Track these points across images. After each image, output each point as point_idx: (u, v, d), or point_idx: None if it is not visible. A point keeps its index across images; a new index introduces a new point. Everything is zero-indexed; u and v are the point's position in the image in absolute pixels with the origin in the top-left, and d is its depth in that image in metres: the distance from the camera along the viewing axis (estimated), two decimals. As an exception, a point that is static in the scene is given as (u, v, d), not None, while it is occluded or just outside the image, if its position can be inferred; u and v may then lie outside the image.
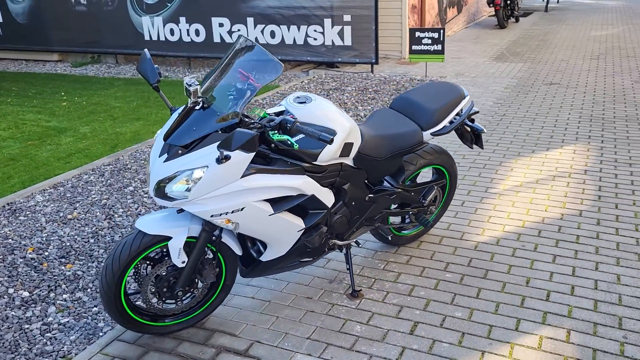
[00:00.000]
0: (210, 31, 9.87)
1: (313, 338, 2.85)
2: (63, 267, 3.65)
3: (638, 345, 2.70)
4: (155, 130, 6.58)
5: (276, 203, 2.67)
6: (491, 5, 13.33)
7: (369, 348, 2.76)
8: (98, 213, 4.39)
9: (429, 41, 8.41)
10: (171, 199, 2.51)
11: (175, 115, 2.65)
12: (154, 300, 2.79)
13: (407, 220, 3.58)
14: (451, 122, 3.30)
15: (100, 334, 3.01)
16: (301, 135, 2.69)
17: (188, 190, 2.46)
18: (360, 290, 3.21)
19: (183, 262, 2.66)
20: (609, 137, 5.65)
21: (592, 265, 3.38)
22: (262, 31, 9.50)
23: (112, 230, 4.10)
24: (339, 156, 2.82)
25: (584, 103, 6.91)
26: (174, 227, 2.63)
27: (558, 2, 19.99)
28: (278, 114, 2.76)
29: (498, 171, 4.87)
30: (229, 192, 2.50)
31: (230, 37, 9.73)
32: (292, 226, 2.75)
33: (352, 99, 7.50)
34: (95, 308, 3.23)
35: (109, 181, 5.02)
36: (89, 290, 3.41)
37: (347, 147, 2.83)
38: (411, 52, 8.54)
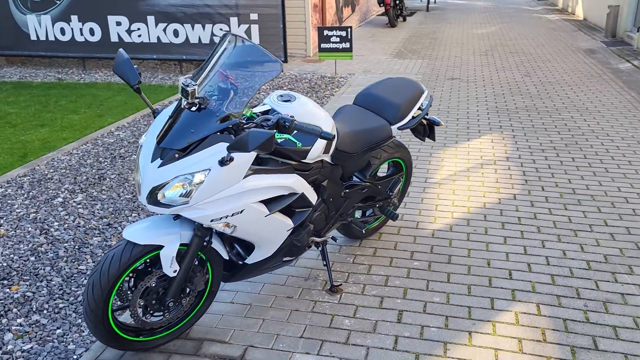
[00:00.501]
0: (107, 30, 9.35)
1: (306, 336, 2.85)
2: (8, 290, 3.32)
3: (598, 311, 3.00)
4: (65, 136, 6.14)
5: (270, 203, 2.64)
6: (382, 4, 13.86)
7: (364, 340, 2.81)
8: (30, 228, 4.03)
9: (337, 39, 8.61)
10: (167, 205, 2.39)
11: (163, 118, 2.52)
12: (141, 314, 2.64)
13: (370, 213, 3.68)
14: (414, 117, 3.43)
15: (74, 356, 2.79)
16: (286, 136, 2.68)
17: (185, 195, 2.36)
18: (340, 284, 3.25)
19: (175, 271, 2.55)
20: (517, 126, 6.15)
21: (539, 244, 3.69)
22: (164, 30, 9.17)
23: (52, 246, 3.79)
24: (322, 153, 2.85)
25: (486, 96, 7.44)
26: (165, 235, 2.51)
27: (435, 2, 21.21)
28: (264, 112, 2.72)
29: (431, 162, 5.12)
30: (229, 194, 2.43)
31: (130, 36, 9.28)
32: (283, 226, 2.73)
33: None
34: (59, 330, 2.99)
35: (30, 193, 4.62)
36: (45, 311, 3.14)
37: (329, 144, 2.86)
38: (320, 50, 8.68)
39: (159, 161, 2.39)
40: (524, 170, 4.91)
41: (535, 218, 4.04)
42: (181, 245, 2.56)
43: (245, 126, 2.46)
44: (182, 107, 2.43)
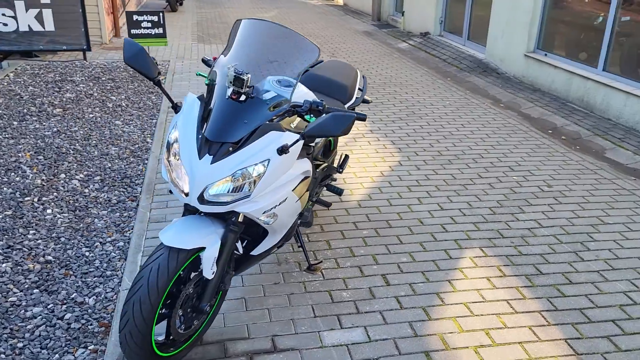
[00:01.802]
0: None
1: (319, 315, 2.92)
2: None
3: (522, 245, 3.66)
4: None
5: (294, 190, 2.63)
6: (161, -12, 13.36)
7: (372, 306, 3.01)
8: None
9: (149, 24, 8.18)
10: (222, 203, 2.24)
11: (193, 110, 2.31)
12: (178, 324, 2.43)
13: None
14: (357, 97, 3.65)
15: (86, 394, 2.43)
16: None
17: (236, 190, 2.25)
18: (318, 262, 3.35)
19: (213, 272, 2.40)
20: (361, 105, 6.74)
21: (446, 199, 4.27)
22: None
23: (-47, 283, 3.10)
24: None
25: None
26: (205, 235, 2.34)
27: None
28: (272, 98, 2.67)
29: (310, 141, 5.38)
30: (280, 184, 2.38)
31: None
32: (298, 209, 2.75)
33: (99, 90, 6.83)
34: (41, 372, 2.54)
35: None
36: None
37: None
38: (131, 36, 8.14)
39: (208, 157, 2.22)
40: (391, 139, 5.49)
41: (428, 179, 4.63)
42: None
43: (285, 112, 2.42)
44: (228, 97, 2.28)
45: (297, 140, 2.27)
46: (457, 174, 4.73)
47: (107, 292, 3.11)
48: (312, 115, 2.54)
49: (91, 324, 2.86)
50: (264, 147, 2.27)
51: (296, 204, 2.62)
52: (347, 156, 3.79)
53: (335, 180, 3.88)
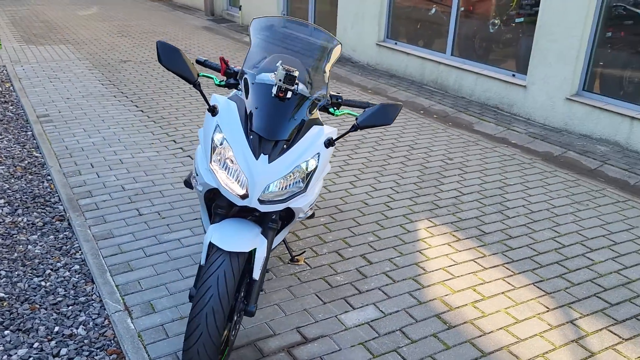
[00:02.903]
0: None
1: (327, 301, 3.03)
2: None
3: (461, 210, 4.13)
4: None
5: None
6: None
7: (369, 285, 3.19)
8: None
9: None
10: (280, 201, 2.24)
11: (234, 112, 2.24)
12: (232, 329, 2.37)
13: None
14: None
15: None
16: None
17: (291, 186, 2.27)
18: (300, 254, 3.42)
19: (260, 273, 2.39)
20: (239, 97, 6.76)
21: (375, 181, 4.59)
22: None
23: None
24: None
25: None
26: (254, 236, 2.31)
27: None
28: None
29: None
30: (321, 176, 2.42)
31: None
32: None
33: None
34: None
35: None
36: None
37: None
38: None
39: (264, 157, 2.20)
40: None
41: (348, 164, 4.90)
42: None
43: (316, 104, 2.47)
44: (275, 95, 2.26)
45: (350, 131, 2.37)
46: (371, 157, 5.07)
47: (94, 319, 2.85)
48: (335, 108, 2.62)
49: (97, 355, 2.62)
50: (313, 142, 2.32)
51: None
52: None
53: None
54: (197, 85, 2.27)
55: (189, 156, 4.92)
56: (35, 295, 3.01)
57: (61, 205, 3.99)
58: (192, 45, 9.71)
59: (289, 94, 2.32)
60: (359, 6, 8.63)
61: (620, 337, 2.83)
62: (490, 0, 6.92)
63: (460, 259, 3.49)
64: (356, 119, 2.35)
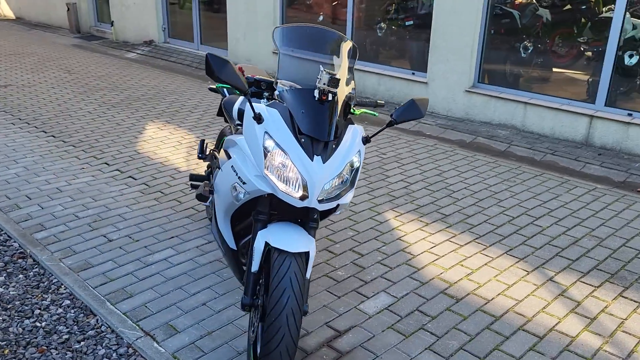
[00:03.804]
0: None
1: (340, 295, 3.14)
2: None
3: (416, 198, 4.44)
4: None
5: None
6: None
7: (371, 275, 3.35)
8: None
9: None
10: (333, 198, 2.33)
11: (279, 118, 2.28)
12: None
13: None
14: None
15: None
16: None
17: (349, 181, 2.38)
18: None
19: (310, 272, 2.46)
20: (135, 112, 6.56)
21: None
22: None
23: None
24: None
25: (83, 99, 7.24)
26: (305, 235, 2.38)
27: None
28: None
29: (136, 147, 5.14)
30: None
31: None
32: None
33: None
34: None
35: None
36: None
37: None
38: None
39: (317, 157, 2.27)
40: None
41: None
42: None
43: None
44: (318, 98, 2.33)
45: (387, 126, 2.51)
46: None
47: (115, 349, 2.70)
48: (354, 108, 2.73)
49: (138, 384, 2.51)
50: (353, 140, 2.43)
51: None
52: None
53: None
54: (247, 95, 2.28)
55: (130, 177, 4.72)
56: (36, 337, 2.77)
57: (14, 242, 3.65)
58: (74, 66, 9.14)
59: (329, 96, 2.42)
60: (250, 17, 8.74)
61: (592, 286, 3.29)
62: (375, 7, 7.42)
63: (437, 240, 3.78)
64: (391, 115, 2.51)
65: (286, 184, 2.28)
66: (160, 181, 4.64)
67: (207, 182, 3.11)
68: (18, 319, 2.90)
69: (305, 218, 2.49)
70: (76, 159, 5.08)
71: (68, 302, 3.06)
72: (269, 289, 2.20)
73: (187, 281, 3.23)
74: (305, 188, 2.27)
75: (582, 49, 6.08)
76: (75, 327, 2.85)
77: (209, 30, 9.92)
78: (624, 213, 4.27)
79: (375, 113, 2.78)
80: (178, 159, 5.15)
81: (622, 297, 3.18)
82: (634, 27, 5.78)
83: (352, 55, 2.73)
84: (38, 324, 2.87)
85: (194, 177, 3.65)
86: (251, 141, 2.37)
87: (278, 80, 2.58)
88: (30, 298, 3.08)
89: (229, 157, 2.63)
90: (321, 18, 8.26)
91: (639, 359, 2.69)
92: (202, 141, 3.75)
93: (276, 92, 2.50)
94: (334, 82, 2.35)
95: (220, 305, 3.01)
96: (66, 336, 2.78)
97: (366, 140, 2.50)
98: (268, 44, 8.63)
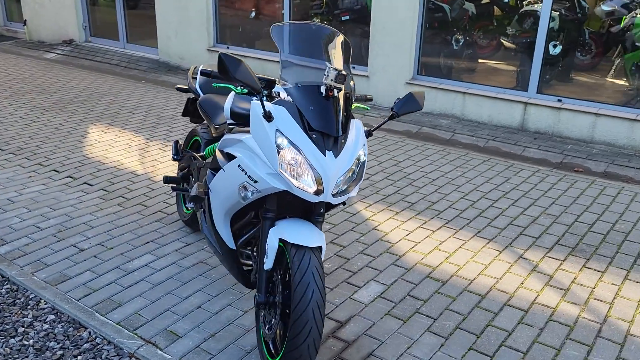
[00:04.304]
0: None
1: (332, 286, 3.20)
2: None
3: (383, 187, 4.57)
4: None
5: None
6: None
7: (357, 265, 3.43)
8: None
9: None
10: (343, 193, 2.37)
11: (288, 116, 2.28)
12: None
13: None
14: None
15: None
16: None
17: (357, 175, 2.43)
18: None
19: (321, 266, 2.50)
20: (75, 116, 6.30)
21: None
22: None
23: None
24: None
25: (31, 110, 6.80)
26: (315, 230, 2.41)
27: None
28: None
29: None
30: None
31: None
32: None
33: None
34: None
35: None
36: None
37: None
38: None
39: (329, 152, 2.30)
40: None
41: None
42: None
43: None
44: (325, 93, 2.35)
45: (389, 119, 2.58)
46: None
47: (113, 357, 2.62)
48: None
49: (150, 393, 2.45)
50: (358, 134, 2.48)
51: None
52: None
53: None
54: (261, 94, 2.27)
55: (85, 183, 4.52)
56: (26, 357, 2.63)
57: (-25, 259, 3.41)
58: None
59: (335, 92, 2.45)
60: (182, 14, 8.54)
61: (559, 260, 3.55)
62: (310, 3, 7.50)
63: (411, 227, 3.92)
64: (392, 108, 2.59)
65: (298, 180, 2.30)
66: (119, 186, 4.48)
67: (200, 183, 3.06)
68: (2, 338, 2.73)
69: (311, 213, 2.53)
70: (20, 167, 4.79)
71: (52, 316, 2.91)
72: (292, 284, 2.22)
73: (175, 285, 3.16)
74: (320, 183, 2.30)
75: (509, 41, 6.48)
76: (68, 342, 2.73)
77: (135, 29, 9.59)
78: (569, 191, 4.61)
79: (367, 107, 2.85)
80: (132, 162, 4.98)
81: (587, 267, 3.46)
82: (553, 19, 6.22)
83: (346, 49, 2.77)
84: (25, 342, 2.72)
85: (168, 180, 3.56)
86: (261, 140, 2.36)
87: (280, 80, 2.58)
88: (9, 316, 2.91)
89: (228, 157, 2.60)
90: (253, 15, 8.23)
91: (614, 323, 2.94)
92: (176, 142, 3.67)
93: (275, 90, 2.50)
94: (340, 78, 2.39)
95: (217, 307, 2.98)
96: (60, 352, 2.66)
97: (368, 134, 2.56)
98: (202, 40, 8.47)
